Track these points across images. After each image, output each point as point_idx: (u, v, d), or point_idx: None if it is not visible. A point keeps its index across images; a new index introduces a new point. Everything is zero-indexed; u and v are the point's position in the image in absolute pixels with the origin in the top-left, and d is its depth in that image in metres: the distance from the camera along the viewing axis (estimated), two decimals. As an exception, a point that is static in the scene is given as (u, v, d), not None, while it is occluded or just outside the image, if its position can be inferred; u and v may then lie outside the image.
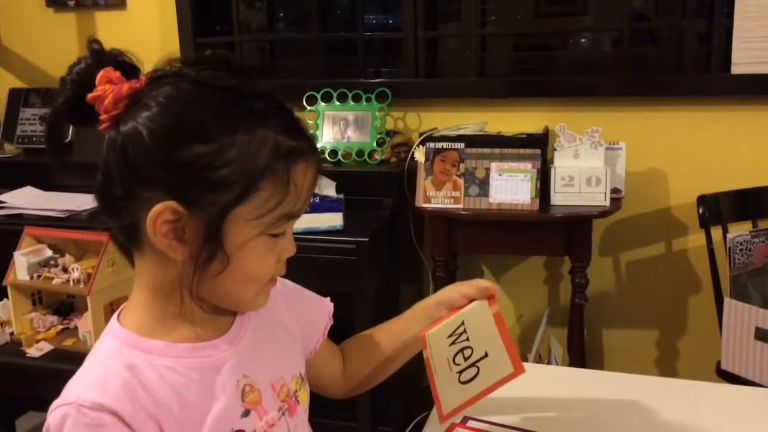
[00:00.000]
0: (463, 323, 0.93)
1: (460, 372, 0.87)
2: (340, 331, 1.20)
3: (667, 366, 2.24)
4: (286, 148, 0.70)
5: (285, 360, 0.85)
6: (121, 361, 0.72)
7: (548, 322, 2.22)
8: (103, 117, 0.70)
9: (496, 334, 0.88)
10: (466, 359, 0.88)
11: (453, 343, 0.92)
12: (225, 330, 0.78)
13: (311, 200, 2.06)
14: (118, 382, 0.70)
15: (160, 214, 0.68)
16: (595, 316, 2.23)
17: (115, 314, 0.78)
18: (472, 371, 0.86)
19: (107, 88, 0.69)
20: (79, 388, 0.70)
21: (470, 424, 1.03)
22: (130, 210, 0.70)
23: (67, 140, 2.42)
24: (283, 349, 0.85)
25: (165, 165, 0.68)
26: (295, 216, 0.74)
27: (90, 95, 0.69)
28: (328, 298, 0.98)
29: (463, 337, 0.91)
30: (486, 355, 0.86)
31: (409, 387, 2.31)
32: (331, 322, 0.96)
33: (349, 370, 1.01)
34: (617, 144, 1.97)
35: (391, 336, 1.00)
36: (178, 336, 0.75)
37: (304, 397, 0.86)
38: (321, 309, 0.96)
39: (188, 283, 0.71)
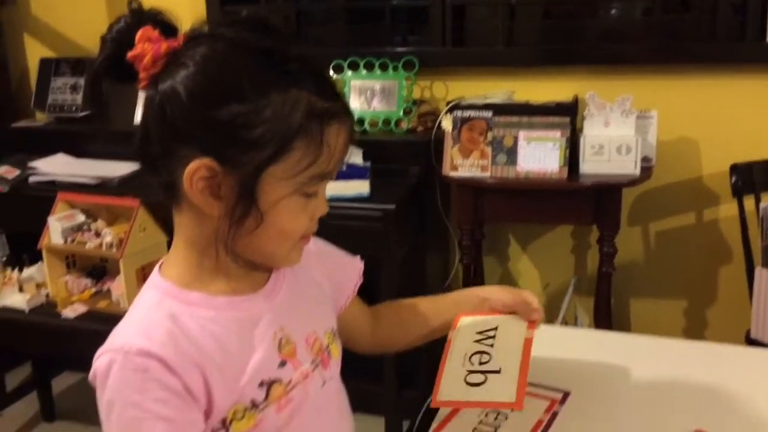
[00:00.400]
0: (496, 329, 0.96)
1: (470, 372, 0.90)
2: (365, 299, 1.23)
3: (695, 335, 2.23)
4: (319, 109, 0.71)
5: (318, 315, 0.87)
6: (163, 311, 0.74)
7: (575, 291, 2.21)
8: (142, 75, 0.71)
9: (518, 357, 0.90)
10: (480, 363, 0.91)
11: (478, 341, 0.95)
12: (261, 285, 0.81)
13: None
14: (162, 331, 0.72)
15: (196, 171, 0.70)
16: (623, 286, 2.22)
17: (157, 266, 0.80)
18: (480, 378, 0.89)
19: (146, 46, 0.71)
20: (124, 335, 0.72)
21: None
22: (168, 168, 0.72)
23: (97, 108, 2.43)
24: (316, 305, 0.87)
25: (201, 123, 0.69)
26: (327, 176, 0.75)
27: (129, 54, 0.71)
28: (358, 257, 0.99)
29: (490, 342, 0.94)
30: (499, 371, 0.89)
31: (436, 352, 2.33)
32: (361, 281, 0.98)
33: (381, 333, 1.03)
34: (649, 112, 1.94)
35: (430, 313, 1.03)
36: (216, 289, 0.77)
37: (336, 352, 0.88)
38: (352, 267, 0.98)
39: (223, 238, 0.74)
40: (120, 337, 0.72)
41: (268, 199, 0.72)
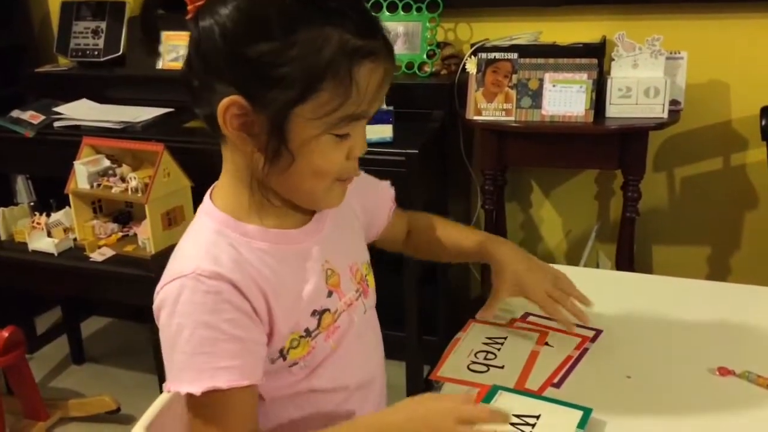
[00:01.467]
0: (506, 338, 1.02)
1: (473, 362, 0.97)
2: None
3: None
4: (351, 48, 0.70)
5: (357, 247, 0.91)
6: (223, 239, 0.76)
7: (597, 238, 2.20)
8: (189, 8, 0.72)
9: (522, 363, 0.96)
10: (485, 359, 0.97)
11: (486, 344, 1.01)
12: (307, 221, 0.83)
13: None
14: (228, 256, 0.75)
15: (227, 108, 0.71)
16: (646, 232, 2.21)
17: (208, 194, 0.81)
18: (482, 368, 0.96)
19: None
20: (192, 260, 0.74)
21: (531, 319, 1.07)
22: (207, 100, 0.73)
23: (119, 53, 2.44)
24: (356, 238, 0.91)
25: (231, 61, 0.70)
26: (361, 117, 0.74)
27: None
28: (388, 182, 1.01)
29: (497, 347, 1.00)
30: (503, 367, 0.95)
31: (456, 299, 2.36)
32: (394, 206, 1.01)
33: (411, 244, 1.09)
34: (678, 53, 1.89)
35: (455, 248, 1.06)
36: (268, 223, 0.79)
37: (372, 282, 0.92)
38: (384, 195, 1.01)
39: (258, 175, 0.75)
40: (187, 262, 0.74)
41: (298, 139, 0.72)
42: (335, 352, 0.84)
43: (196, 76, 0.73)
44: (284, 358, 0.79)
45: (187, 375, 0.72)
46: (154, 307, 0.76)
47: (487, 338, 1.02)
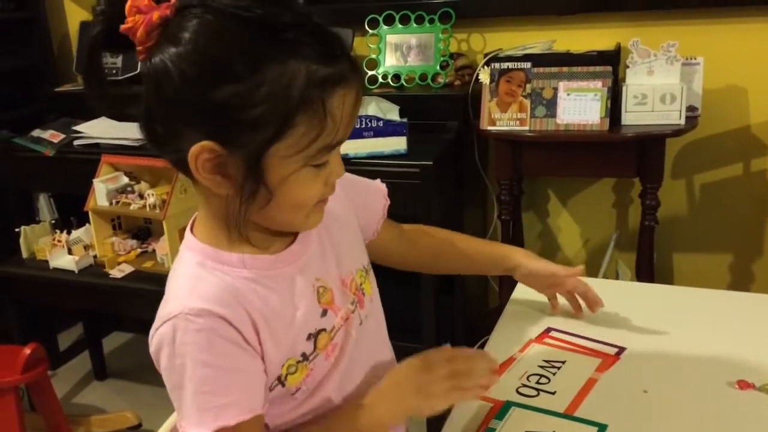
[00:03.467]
0: (564, 362, 0.99)
1: (523, 386, 0.93)
2: None
3: (740, 290, 2.18)
4: (320, 78, 0.67)
5: (349, 256, 0.87)
6: (207, 272, 0.75)
7: (616, 247, 2.18)
8: (138, 49, 0.69)
9: (576, 390, 0.91)
10: (537, 383, 0.94)
11: (542, 367, 0.98)
12: (291, 242, 0.80)
13: (376, 124, 2.04)
14: (213, 290, 0.73)
15: (199, 155, 0.68)
16: (666, 241, 2.18)
17: (188, 228, 0.80)
18: (532, 392, 0.92)
19: (137, 18, 0.67)
20: (179, 301, 0.73)
21: (553, 334, 1.06)
22: (174, 146, 0.70)
23: (136, 72, 2.48)
24: (346, 246, 0.87)
25: (197, 106, 0.66)
26: (338, 144, 0.72)
27: (122, 27, 0.68)
28: (378, 180, 0.99)
29: (553, 371, 0.97)
30: (554, 393, 0.92)
31: (474, 309, 2.34)
32: (388, 202, 0.98)
33: (411, 258, 1.07)
34: (695, 59, 1.87)
35: (463, 259, 1.08)
36: (249, 250, 0.77)
37: (369, 288, 0.89)
38: (376, 193, 0.98)
39: (235, 216, 0.72)
40: (175, 303, 0.73)
41: (276, 176, 0.69)
42: (336, 368, 0.82)
43: (159, 123, 0.69)
44: (283, 385, 0.78)
45: (195, 416, 0.71)
46: (152, 351, 0.74)
47: (545, 361, 0.98)
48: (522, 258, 1.07)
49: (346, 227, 0.89)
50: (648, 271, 1.98)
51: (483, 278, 2.42)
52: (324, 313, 0.80)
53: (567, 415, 0.85)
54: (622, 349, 1.00)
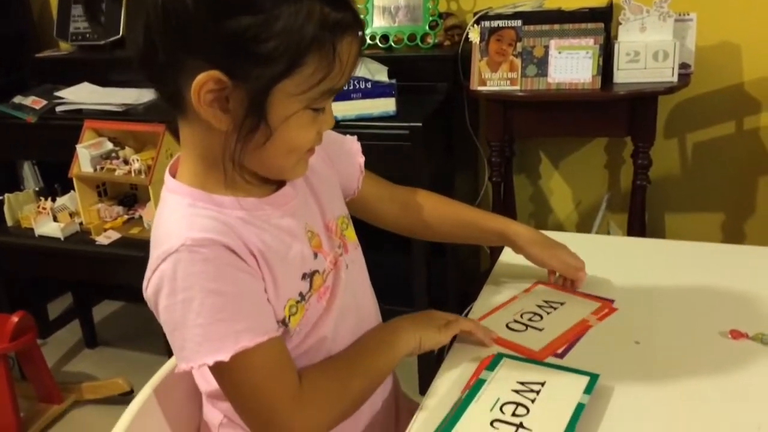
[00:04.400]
0: (563, 303, 0.99)
1: (515, 321, 0.96)
2: None
3: (732, 250, 2.18)
4: (332, 21, 0.68)
5: (331, 202, 0.88)
6: (199, 209, 0.74)
7: (608, 208, 2.17)
8: None
9: (566, 328, 0.94)
10: (529, 320, 0.96)
11: (540, 306, 1.00)
12: (277, 188, 0.81)
13: (364, 85, 2.01)
14: (213, 222, 0.73)
15: (204, 84, 0.67)
16: (657, 200, 2.17)
17: (167, 174, 0.79)
18: (521, 327, 0.94)
19: None
20: (177, 235, 0.71)
21: (539, 288, 1.05)
22: (174, 77, 0.69)
23: (119, 36, 2.43)
24: (327, 196, 0.88)
25: (210, 35, 0.66)
26: (338, 90, 0.73)
27: None
28: (354, 137, 0.99)
29: (549, 310, 0.99)
30: (542, 330, 0.93)
31: (466, 273, 2.33)
32: (363, 158, 0.99)
33: (406, 222, 1.06)
34: (687, 15, 1.84)
35: (459, 229, 1.07)
36: (239, 194, 0.77)
37: (352, 235, 0.91)
38: (351, 150, 0.98)
39: (231, 153, 0.71)
40: (172, 240, 0.71)
41: (278, 115, 0.69)
42: (327, 311, 0.83)
43: (163, 52, 0.68)
44: (286, 327, 0.78)
45: (209, 346, 0.70)
46: (148, 294, 0.73)
47: (544, 301, 1.00)
48: (523, 242, 1.04)
49: (325, 180, 0.90)
50: (639, 231, 1.97)
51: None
52: (315, 255, 0.82)
53: (559, 366, 0.84)
54: (613, 302, 0.99)
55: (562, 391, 0.78)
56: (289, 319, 0.78)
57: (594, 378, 0.80)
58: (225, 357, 0.70)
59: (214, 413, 0.87)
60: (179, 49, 0.67)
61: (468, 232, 1.07)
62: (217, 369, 0.74)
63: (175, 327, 0.72)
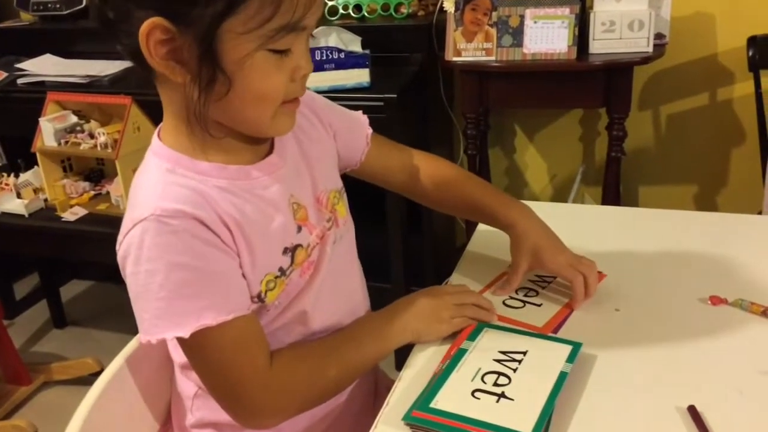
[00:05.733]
0: (555, 278, 0.95)
1: (511, 298, 0.92)
2: (371, 196, 1.16)
3: (704, 221, 2.20)
4: None
5: (323, 176, 0.84)
6: (177, 176, 0.71)
7: (582, 180, 2.17)
8: None
9: (562, 304, 0.90)
10: (525, 296, 0.93)
11: (533, 281, 0.96)
12: (265, 154, 0.78)
13: (337, 56, 1.95)
14: (188, 192, 0.70)
15: (149, 34, 0.64)
16: (632, 172, 2.17)
17: (155, 133, 0.76)
18: (518, 304, 0.91)
19: None
20: (150, 202, 0.68)
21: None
22: (126, 31, 0.66)
23: (82, 6, 2.33)
24: (321, 167, 0.85)
25: None
26: (298, 28, 0.67)
27: None
28: (360, 112, 0.96)
29: (543, 285, 0.95)
30: (540, 305, 0.91)
31: (442, 248, 2.32)
32: (370, 131, 0.95)
33: (416, 190, 1.01)
34: (663, -16, 1.83)
35: (470, 213, 1.01)
36: (221, 159, 0.74)
37: (343, 210, 0.87)
38: (356, 122, 0.95)
39: (196, 107, 0.68)
40: (144, 207, 0.68)
41: (231, 58, 0.65)
42: (309, 286, 0.80)
43: (111, 8, 0.66)
44: (262, 302, 0.76)
45: (169, 321, 0.68)
46: (118, 258, 0.71)
47: (537, 276, 0.97)
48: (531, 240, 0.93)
49: (321, 150, 0.86)
50: (614, 203, 1.97)
51: (450, 216, 2.40)
52: (299, 229, 0.78)
53: (541, 335, 0.83)
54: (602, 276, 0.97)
55: (545, 360, 0.77)
56: (265, 294, 0.75)
57: (577, 347, 0.78)
58: (185, 333, 0.68)
59: (188, 384, 0.85)
60: (122, 1, 0.65)
61: (478, 217, 1.01)
62: (184, 344, 0.72)
63: (138, 296, 0.70)
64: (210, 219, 0.69)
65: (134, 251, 0.68)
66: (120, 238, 0.71)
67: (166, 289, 0.67)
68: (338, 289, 0.85)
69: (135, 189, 0.73)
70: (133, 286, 0.70)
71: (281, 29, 0.65)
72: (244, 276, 0.73)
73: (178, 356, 0.83)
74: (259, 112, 0.70)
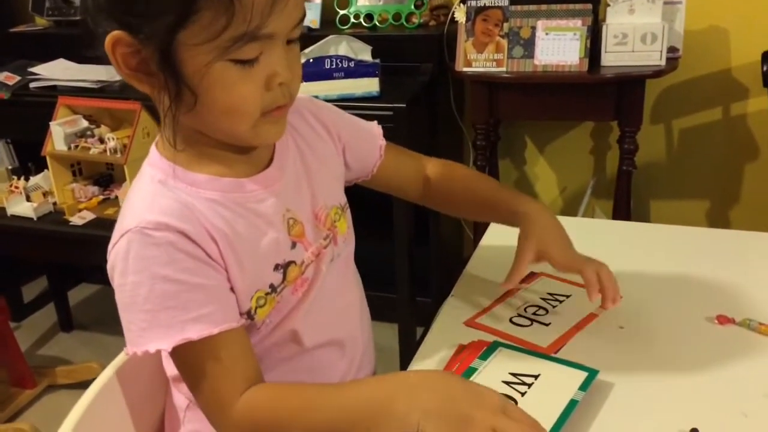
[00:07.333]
0: (568, 296, 0.94)
1: (518, 315, 0.91)
2: (378, 206, 1.15)
3: (716, 237, 2.17)
4: None
5: (325, 192, 0.83)
6: (168, 188, 0.71)
7: (593, 194, 2.15)
8: None
9: (573, 323, 0.89)
10: (533, 314, 0.91)
11: (545, 299, 0.94)
12: (263, 167, 0.77)
13: (347, 65, 1.93)
14: (175, 205, 0.69)
15: (114, 46, 0.65)
16: (643, 186, 2.15)
17: (153, 145, 0.76)
18: (526, 322, 0.89)
19: None
20: (136, 214, 0.69)
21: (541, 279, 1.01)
22: (101, 40, 0.66)
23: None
24: (324, 183, 0.83)
25: None
26: (261, 36, 0.64)
27: None
28: (375, 122, 0.94)
29: (555, 303, 0.93)
30: (548, 324, 0.88)
31: (449, 258, 2.31)
32: (384, 143, 0.94)
33: (430, 197, 1.00)
34: (677, -3, 1.81)
35: (479, 207, 0.98)
36: (216, 171, 0.73)
37: (344, 227, 0.85)
38: (370, 134, 0.93)
39: (168, 118, 0.68)
40: (131, 217, 0.69)
41: (191, 70, 0.64)
42: (302, 303, 0.78)
43: (89, 15, 0.67)
44: (252, 319, 0.74)
45: (154, 333, 0.67)
46: (108, 268, 0.71)
47: (549, 293, 0.94)
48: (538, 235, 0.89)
49: (326, 164, 0.84)
50: (625, 217, 1.95)
51: (457, 226, 2.38)
52: (294, 245, 0.77)
53: (556, 358, 0.80)
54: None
55: (556, 386, 0.74)
56: (255, 311, 0.74)
57: (593, 374, 0.75)
58: (167, 346, 0.67)
59: (180, 396, 0.84)
60: (96, 11, 0.66)
61: (492, 213, 0.97)
62: (171, 356, 0.71)
63: (125, 308, 0.69)
64: (194, 232, 0.69)
65: (120, 263, 0.68)
66: (109, 248, 0.71)
67: (151, 302, 0.67)
68: (332, 307, 0.83)
69: (126, 199, 0.73)
70: (120, 297, 0.69)
71: (239, 39, 0.63)
72: (233, 291, 0.72)
73: (171, 368, 0.82)
74: (231, 124, 0.69)
